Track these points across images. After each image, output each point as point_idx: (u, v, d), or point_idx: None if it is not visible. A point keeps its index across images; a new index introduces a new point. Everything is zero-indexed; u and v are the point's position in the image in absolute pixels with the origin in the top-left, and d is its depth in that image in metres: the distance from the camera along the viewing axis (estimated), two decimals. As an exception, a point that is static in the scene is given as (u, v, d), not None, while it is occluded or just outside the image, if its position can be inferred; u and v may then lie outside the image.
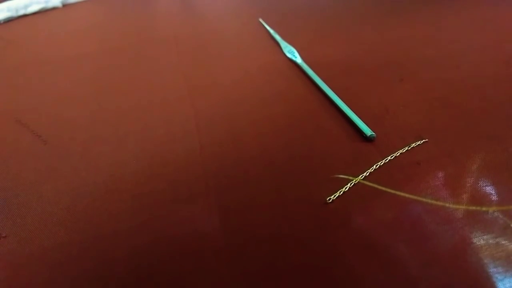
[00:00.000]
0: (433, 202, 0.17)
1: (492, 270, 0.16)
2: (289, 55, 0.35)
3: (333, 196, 0.20)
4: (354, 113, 0.25)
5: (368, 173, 0.21)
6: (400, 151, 0.22)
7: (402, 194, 0.19)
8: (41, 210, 0.22)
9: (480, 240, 0.17)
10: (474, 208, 0.17)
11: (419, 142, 0.23)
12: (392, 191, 0.19)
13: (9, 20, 0.55)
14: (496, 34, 0.34)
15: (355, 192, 0.20)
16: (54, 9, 0.58)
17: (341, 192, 0.20)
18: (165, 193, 0.22)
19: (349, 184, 0.20)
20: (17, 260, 0.19)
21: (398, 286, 0.16)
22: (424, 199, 0.18)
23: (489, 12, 0.39)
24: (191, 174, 0.23)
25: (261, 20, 0.44)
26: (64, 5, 0.59)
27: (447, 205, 0.17)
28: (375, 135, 0.23)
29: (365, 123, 0.24)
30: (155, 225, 0.20)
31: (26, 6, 0.56)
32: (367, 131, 0.23)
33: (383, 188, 0.19)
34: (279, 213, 0.20)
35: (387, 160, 0.22)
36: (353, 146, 0.23)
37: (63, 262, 0.19)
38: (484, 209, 0.16)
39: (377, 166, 0.21)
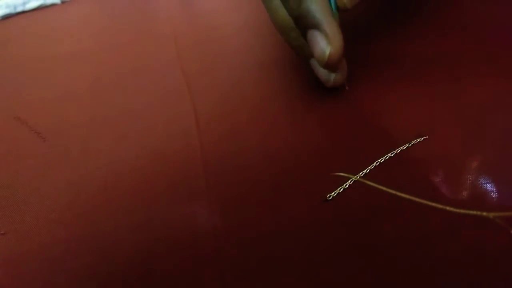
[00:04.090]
0: (432, 204, 0.17)
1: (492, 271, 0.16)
2: None
3: (333, 193, 0.20)
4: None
5: (368, 170, 0.21)
6: (401, 148, 0.22)
7: (401, 194, 0.18)
8: (40, 206, 0.22)
9: (479, 243, 0.17)
10: (474, 213, 0.17)
11: (419, 139, 0.23)
12: (392, 192, 0.19)
13: (7, 17, 0.54)
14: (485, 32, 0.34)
15: (355, 189, 0.20)
16: (52, 5, 0.58)
17: (341, 190, 0.20)
18: (165, 191, 0.22)
19: (349, 182, 0.20)
20: (16, 256, 0.19)
21: (397, 285, 0.16)
22: (423, 201, 0.18)
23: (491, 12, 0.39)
24: (191, 172, 0.23)
25: None
26: (63, 2, 0.59)
27: (447, 208, 0.17)
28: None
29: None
30: (155, 222, 0.20)
31: (24, 3, 0.56)
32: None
33: (382, 188, 0.19)
34: (280, 210, 0.20)
35: (387, 157, 0.22)
36: (353, 143, 0.23)
37: (62, 258, 0.19)
38: (485, 214, 0.16)
39: (377, 163, 0.21)
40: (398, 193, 0.19)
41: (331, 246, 0.18)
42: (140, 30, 0.46)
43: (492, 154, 0.21)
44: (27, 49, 0.44)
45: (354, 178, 0.21)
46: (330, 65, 0.24)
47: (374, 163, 0.21)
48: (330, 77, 0.25)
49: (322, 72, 0.26)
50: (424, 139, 0.23)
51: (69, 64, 0.39)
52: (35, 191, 0.23)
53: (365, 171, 0.21)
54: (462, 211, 0.17)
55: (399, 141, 0.23)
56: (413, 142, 0.22)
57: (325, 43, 0.22)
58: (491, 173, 0.20)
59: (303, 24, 0.23)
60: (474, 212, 0.17)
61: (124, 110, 0.30)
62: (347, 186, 0.20)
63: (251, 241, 0.19)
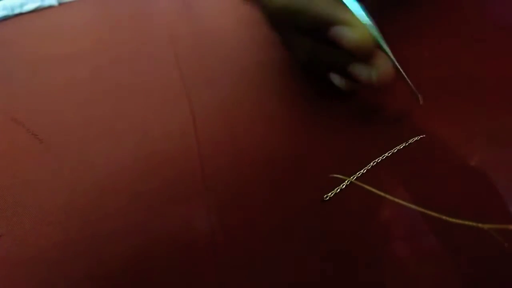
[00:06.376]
0: (428, 212, 0.17)
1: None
2: None
3: (330, 193, 0.20)
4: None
5: (365, 170, 0.21)
6: (397, 147, 0.22)
7: (396, 200, 0.19)
8: (37, 209, 0.22)
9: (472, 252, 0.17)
10: (469, 223, 0.17)
11: (416, 138, 0.23)
12: (389, 197, 0.19)
13: (4, 19, 0.54)
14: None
15: (352, 190, 0.20)
16: (50, 7, 0.58)
17: (338, 190, 0.20)
18: (162, 192, 0.22)
19: (346, 182, 0.20)
20: (13, 259, 0.19)
21: (393, 285, 0.16)
22: (418, 208, 0.18)
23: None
24: (189, 173, 0.23)
25: None
26: (60, 4, 0.58)
27: (443, 217, 0.17)
28: None
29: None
30: (153, 224, 0.20)
31: (22, 5, 0.56)
32: None
33: (377, 192, 0.19)
34: (277, 210, 0.20)
35: (384, 157, 0.22)
36: (351, 142, 0.23)
37: (59, 261, 0.19)
38: (480, 225, 0.16)
39: (374, 163, 0.21)
40: (394, 199, 0.19)
41: (328, 245, 0.18)
42: (137, 32, 0.46)
43: (491, 154, 0.21)
44: (24, 50, 0.44)
45: (349, 179, 0.21)
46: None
47: (371, 163, 0.21)
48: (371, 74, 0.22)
49: (362, 71, 0.22)
50: (421, 137, 0.23)
51: (66, 66, 0.39)
52: (32, 193, 0.23)
53: (362, 171, 0.21)
54: (457, 221, 0.17)
55: (397, 140, 0.23)
56: (410, 141, 0.22)
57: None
58: (489, 174, 0.20)
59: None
60: (469, 223, 0.17)
61: (121, 112, 0.30)
62: (344, 186, 0.20)
63: (248, 241, 0.19)
